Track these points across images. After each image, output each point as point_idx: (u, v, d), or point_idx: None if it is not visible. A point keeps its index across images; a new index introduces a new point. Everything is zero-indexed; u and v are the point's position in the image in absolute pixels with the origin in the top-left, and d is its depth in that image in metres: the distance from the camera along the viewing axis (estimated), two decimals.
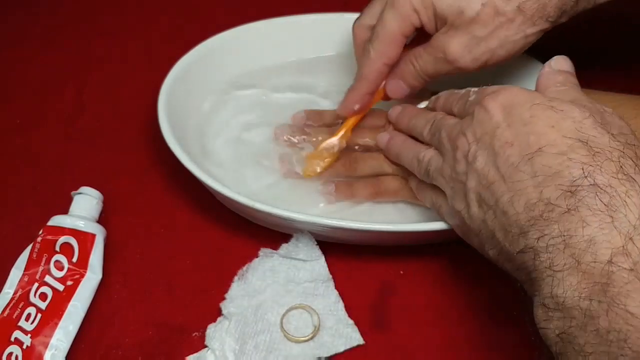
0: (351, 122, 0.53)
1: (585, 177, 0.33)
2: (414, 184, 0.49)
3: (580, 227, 0.32)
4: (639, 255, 0.30)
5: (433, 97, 0.50)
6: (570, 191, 0.33)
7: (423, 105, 0.52)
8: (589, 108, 0.37)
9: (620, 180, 0.33)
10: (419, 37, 0.50)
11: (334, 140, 0.52)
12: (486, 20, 0.46)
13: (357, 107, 0.52)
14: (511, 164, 0.37)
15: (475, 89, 0.44)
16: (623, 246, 0.31)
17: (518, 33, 0.46)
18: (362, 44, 0.51)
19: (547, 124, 0.36)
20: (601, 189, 0.33)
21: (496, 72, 0.59)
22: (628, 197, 0.32)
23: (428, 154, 0.45)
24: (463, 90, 0.46)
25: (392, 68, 0.51)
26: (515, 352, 0.46)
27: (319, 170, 0.52)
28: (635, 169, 0.34)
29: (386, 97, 0.53)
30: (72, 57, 0.67)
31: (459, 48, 0.47)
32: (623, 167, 0.33)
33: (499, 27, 0.46)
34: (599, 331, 0.30)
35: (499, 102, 0.39)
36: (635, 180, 0.33)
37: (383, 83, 0.52)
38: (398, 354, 0.46)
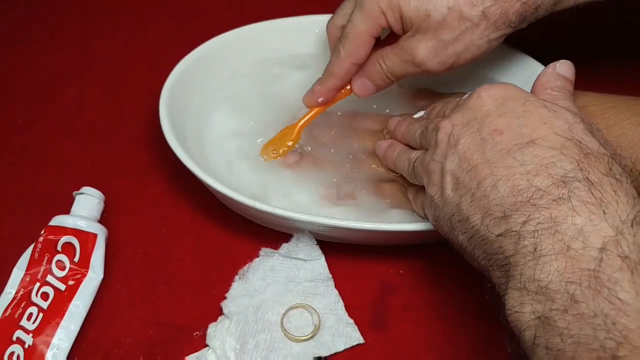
0: (313, 113, 0.54)
1: (580, 170, 0.34)
2: (412, 194, 0.49)
3: (570, 215, 0.33)
4: (629, 247, 0.31)
5: (430, 108, 0.51)
6: (563, 181, 0.34)
7: (420, 114, 0.52)
8: (580, 116, 0.38)
9: (609, 180, 0.34)
10: (390, 36, 0.51)
11: (291, 128, 0.54)
12: (452, 25, 0.46)
13: (321, 100, 0.53)
14: (499, 150, 0.37)
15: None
16: (614, 237, 0.31)
17: (482, 37, 0.47)
18: (335, 43, 0.52)
19: (540, 120, 0.37)
20: (593, 184, 0.33)
21: (495, 71, 0.59)
22: (617, 196, 0.33)
23: (417, 153, 0.46)
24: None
25: (360, 67, 0.51)
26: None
27: (273, 155, 0.54)
28: (622, 174, 0.34)
29: (348, 94, 0.54)
30: (73, 57, 0.67)
31: (426, 52, 0.48)
32: (612, 169, 0.34)
33: (465, 31, 0.47)
34: (582, 315, 0.30)
35: (492, 93, 0.40)
36: (622, 182, 0.34)
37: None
38: (398, 353, 0.46)
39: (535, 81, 0.42)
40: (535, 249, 0.33)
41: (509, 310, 0.34)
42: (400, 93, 0.58)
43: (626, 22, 0.66)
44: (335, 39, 0.52)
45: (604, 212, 0.32)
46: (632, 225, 0.32)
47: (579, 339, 0.30)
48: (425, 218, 0.46)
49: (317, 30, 0.61)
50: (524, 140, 0.36)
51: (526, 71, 0.57)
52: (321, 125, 0.56)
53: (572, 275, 0.31)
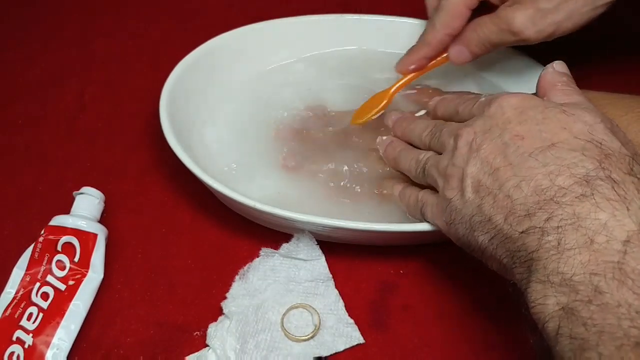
0: (405, 80, 0.55)
1: (602, 169, 0.35)
2: (398, 189, 0.49)
3: (593, 211, 0.33)
4: None
5: (431, 103, 0.51)
6: (586, 180, 0.34)
7: (421, 113, 0.52)
8: (600, 114, 0.38)
9: (632, 179, 0.34)
10: (488, 7, 0.52)
11: (384, 93, 0.55)
12: None
13: (412, 67, 0.55)
14: (521, 153, 0.38)
15: (484, 97, 0.44)
16: (637, 232, 0.32)
17: (586, 5, 0.47)
18: (432, 13, 0.53)
19: (559, 125, 0.38)
20: (616, 182, 0.34)
21: (498, 73, 0.60)
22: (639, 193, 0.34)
23: (427, 154, 0.46)
24: (468, 96, 0.46)
25: (454, 38, 0.52)
26: (515, 352, 0.46)
27: (363, 120, 0.55)
28: None
29: (443, 62, 0.55)
30: (74, 57, 0.67)
31: (524, 20, 0.48)
32: (633, 169, 0.35)
33: (565, 0, 0.47)
34: (607, 305, 0.30)
35: (512, 103, 0.40)
36: None
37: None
38: (398, 353, 0.46)
39: (539, 82, 0.43)
40: (559, 244, 0.34)
41: (532, 303, 0.34)
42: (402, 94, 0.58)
43: (619, 19, 0.66)
44: (432, 8, 0.53)
45: (628, 209, 0.33)
46: None
47: (602, 328, 0.30)
48: (415, 216, 0.47)
49: (318, 30, 0.61)
50: (545, 144, 0.37)
51: (524, 71, 0.58)
52: (318, 126, 0.56)
53: (596, 268, 0.32)
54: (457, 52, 0.53)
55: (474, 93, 0.53)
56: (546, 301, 0.33)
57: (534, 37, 0.49)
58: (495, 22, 0.50)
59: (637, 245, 0.31)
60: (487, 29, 0.50)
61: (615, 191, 0.34)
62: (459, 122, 0.44)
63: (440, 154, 0.44)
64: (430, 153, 0.46)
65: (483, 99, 0.43)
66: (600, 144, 0.36)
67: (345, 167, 0.53)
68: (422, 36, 0.54)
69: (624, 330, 0.29)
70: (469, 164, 0.40)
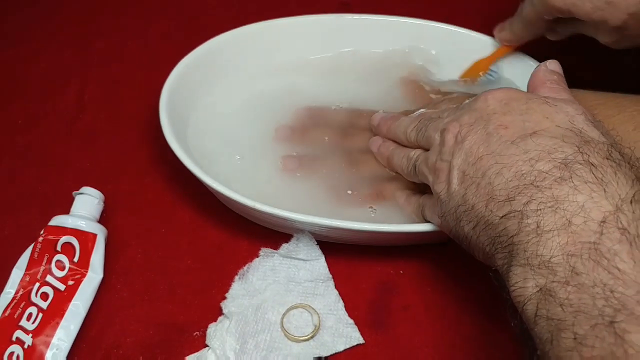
0: (501, 50, 0.59)
1: (581, 153, 0.35)
2: (402, 199, 0.50)
3: (572, 193, 0.34)
4: (627, 222, 0.32)
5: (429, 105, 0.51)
6: (564, 164, 0.35)
7: (419, 112, 0.52)
8: (581, 108, 0.39)
9: (609, 162, 0.35)
10: None
11: (485, 61, 0.59)
12: None
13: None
14: (504, 141, 0.38)
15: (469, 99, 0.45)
16: (614, 212, 0.32)
17: None
18: None
19: (542, 115, 0.39)
20: (594, 166, 0.34)
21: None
22: (617, 177, 0.34)
23: (417, 152, 0.47)
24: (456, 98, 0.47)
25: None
26: (514, 352, 0.46)
27: (470, 75, 0.59)
28: (620, 159, 0.35)
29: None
30: (73, 57, 0.67)
31: None
32: (612, 154, 0.35)
33: None
34: (583, 285, 0.31)
35: (497, 96, 0.41)
36: (622, 166, 0.35)
37: None
38: (398, 353, 0.46)
39: (530, 78, 0.44)
40: (538, 226, 0.34)
41: (512, 287, 0.34)
42: (399, 92, 0.58)
43: None
44: None
45: (605, 190, 0.33)
46: (631, 203, 0.33)
47: (578, 308, 0.30)
48: (421, 220, 0.47)
49: (318, 30, 0.61)
50: (527, 132, 0.38)
51: (521, 68, 0.58)
52: (318, 126, 0.56)
53: (574, 249, 0.32)
54: (499, 27, 0.57)
55: None
56: (525, 284, 0.33)
57: (586, 10, 0.49)
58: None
59: (613, 225, 0.32)
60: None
61: (593, 174, 0.34)
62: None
63: (428, 150, 0.45)
64: (419, 151, 0.47)
65: (468, 101, 0.44)
66: (580, 132, 0.37)
67: (345, 168, 0.53)
68: (520, 18, 0.56)
69: (599, 309, 0.30)
70: (454, 156, 0.41)
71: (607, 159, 0.35)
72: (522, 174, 0.36)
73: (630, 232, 0.31)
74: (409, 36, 0.62)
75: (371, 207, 0.51)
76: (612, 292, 0.30)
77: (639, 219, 0.32)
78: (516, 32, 0.56)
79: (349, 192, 0.52)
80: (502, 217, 0.36)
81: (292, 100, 0.58)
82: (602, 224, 0.32)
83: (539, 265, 0.33)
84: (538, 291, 0.33)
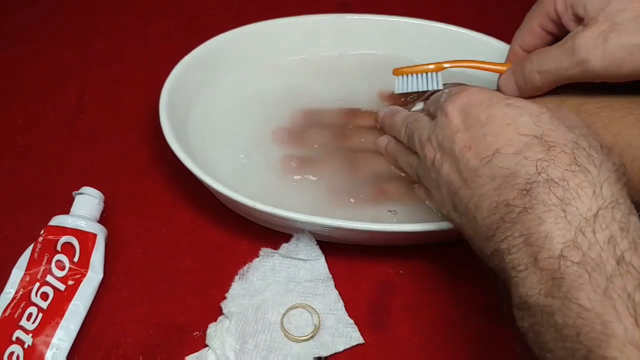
0: (462, 63, 0.52)
1: (539, 173, 0.34)
2: (422, 190, 0.49)
3: (537, 224, 0.32)
4: (588, 247, 0.30)
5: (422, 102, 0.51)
6: (526, 189, 0.34)
7: (419, 107, 0.52)
8: (545, 105, 0.38)
9: (573, 173, 0.33)
10: None
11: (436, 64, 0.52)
12: None
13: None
14: (471, 167, 0.37)
15: (447, 90, 0.44)
16: (573, 239, 0.31)
17: None
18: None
19: (504, 122, 0.37)
20: (555, 182, 0.33)
21: None
22: (580, 188, 0.32)
23: (415, 161, 0.46)
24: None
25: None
26: (514, 351, 0.46)
27: (404, 71, 0.53)
28: (588, 159, 0.34)
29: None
30: (73, 57, 0.67)
31: (590, 38, 0.41)
32: (577, 158, 0.34)
33: None
34: (556, 327, 0.30)
35: (457, 106, 0.40)
36: (588, 171, 0.33)
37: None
38: (398, 353, 0.46)
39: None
40: (514, 266, 0.33)
41: (518, 324, 0.34)
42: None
43: None
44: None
45: (565, 212, 0.32)
46: (594, 220, 0.31)
47: (558, 353, 0.30)
48: (443, 216, 0.46)
49: (318, 30, 0.61)
50: (489, 153, 0.36)
51: None
52: (315, 127, 0.56)
53: (544, 288, 0.31)
54: (504, 79, 0.48)
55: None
56: (522, 324, 0.33)
57: (600, 65, 0.41)
58: (557, 47, 0.43)
59: (574, 256, 0.30)
60: (545, 55, 0.44)
61: (554, 194, 0.33)
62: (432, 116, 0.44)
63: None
64: (416, 159, 0.46)
65: (442, 98, 0.42)
66: (543, 136, 0.35)
67: (344, 168, 0.53)
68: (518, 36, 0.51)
69: (575, 356, 0.29)
70: (440, 186, 0.41)
71: (570, 166, 0.33)
72: (494, 207, 0.35)
73: (587, 260, 0.30)
74: (409, 36, 0.61)
75: (391, 211, 0.51)
76: (578, 335, 0.29)
77: (601, 240, 0.30)
78: (513, 41, 0.50)
79: (350, 192, 0.52)
80: (490, 255, 0.36)
81: (292, 100, 0.58)
82: (561, 257, 0.31)
83: (522, 307, 0.33)
84: (530, 333, 0.32)
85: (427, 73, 0.52)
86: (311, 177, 0.53)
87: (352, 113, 0.57)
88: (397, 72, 0.53)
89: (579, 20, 0.43)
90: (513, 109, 0.37)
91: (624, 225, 0.31)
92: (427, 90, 0.52)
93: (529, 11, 0.48)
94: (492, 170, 0.36)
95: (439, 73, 0.52)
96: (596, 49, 0.40)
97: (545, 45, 0.48)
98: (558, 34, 0.47)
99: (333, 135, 0.55)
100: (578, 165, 0.33)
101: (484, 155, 0.37)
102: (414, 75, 0.52)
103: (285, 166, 0.53)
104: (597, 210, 0.31)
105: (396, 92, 0.53)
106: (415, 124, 0.45)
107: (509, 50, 0.51)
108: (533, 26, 0.48)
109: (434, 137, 0.41)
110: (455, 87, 0.43)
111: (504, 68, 0.49)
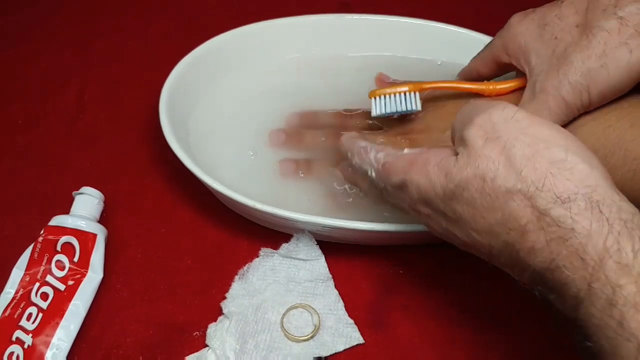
0: (440, 84, 0.51)
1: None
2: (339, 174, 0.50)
3: None
4: None
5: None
6: None
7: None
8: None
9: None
10: None
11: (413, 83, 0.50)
12: None
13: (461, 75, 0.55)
14: None
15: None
16: None
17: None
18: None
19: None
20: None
21: None
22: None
23: None
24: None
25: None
26: (514, 352, 0.46)
27: (377, 93, 0.50)
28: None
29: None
30: (73, 57, 0.67)
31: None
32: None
33: None
34: None
35: (416, 183, 0.38)
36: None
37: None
38: (398, 353, 0.46)
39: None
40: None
41: None
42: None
43: None
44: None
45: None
46: None
47: None
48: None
49: (318, 31, 0.61)
50: None
51: None
52: (310, 129, 0.56)
53: None
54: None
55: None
56: None
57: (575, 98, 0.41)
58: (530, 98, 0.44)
59: None
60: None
61: None
62: None
63: None
64: None
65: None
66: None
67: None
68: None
69: None
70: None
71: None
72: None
73: None
74: (409, 36, 0.61)
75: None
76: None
77: None
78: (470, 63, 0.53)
79: (347, 191, 0.52)
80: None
81: (292, 100, 0.58)
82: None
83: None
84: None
85: (403, 94, 0.49)
86: (310, 175, 0.53)
87: (346, 114, 0.57)
88: (372, 94, 0.50)
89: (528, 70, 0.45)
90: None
91: None
92: (406, 111, 0.50)
93: (480, 51, 0.51)
94: None
95: (417, 93, 0.49)
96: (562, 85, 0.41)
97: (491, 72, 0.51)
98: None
99: (328, 136, 0.55)
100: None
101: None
102: (390, 96, 0.49)
103: (284, 169, 0.53)
104: None
105: (373, 114, 0.50)
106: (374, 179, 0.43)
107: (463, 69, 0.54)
108: (484, 63, 0.51)
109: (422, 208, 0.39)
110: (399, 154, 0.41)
111: (483, 87, 0.49)
